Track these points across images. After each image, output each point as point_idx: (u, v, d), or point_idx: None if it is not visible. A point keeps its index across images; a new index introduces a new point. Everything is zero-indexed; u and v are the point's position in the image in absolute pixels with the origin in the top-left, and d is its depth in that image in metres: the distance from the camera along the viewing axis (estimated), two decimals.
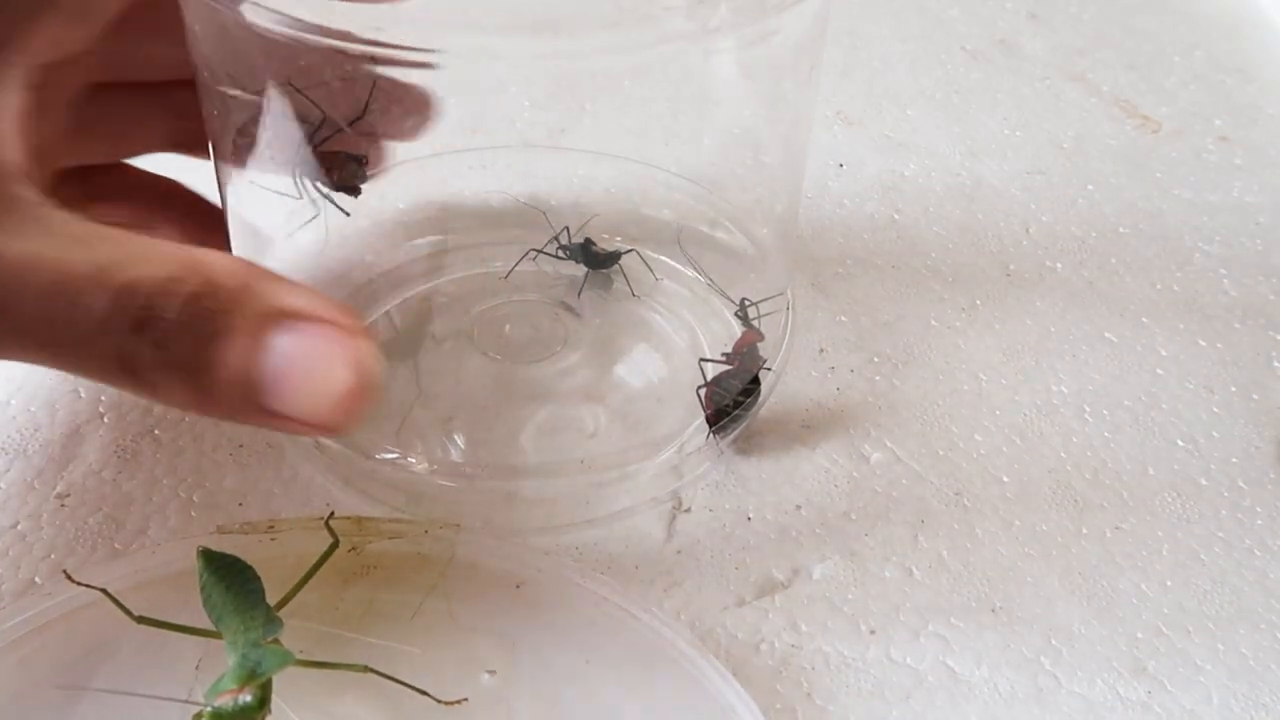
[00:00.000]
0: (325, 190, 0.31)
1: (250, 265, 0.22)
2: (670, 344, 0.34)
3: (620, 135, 0.39)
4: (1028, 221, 0.42)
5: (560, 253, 0.35)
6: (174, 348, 0.21)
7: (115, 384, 0.22)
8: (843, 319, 0.37)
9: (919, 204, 0.43)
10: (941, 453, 0.32)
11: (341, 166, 0.30)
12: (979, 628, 0.28)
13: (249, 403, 0.21)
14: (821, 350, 0.36)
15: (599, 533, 0.30)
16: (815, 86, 0.32)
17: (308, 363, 0.21)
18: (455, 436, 0.31)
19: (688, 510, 0.30)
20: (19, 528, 0.29)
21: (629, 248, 0.36)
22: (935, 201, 0.43)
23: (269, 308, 0.21)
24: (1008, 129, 0.48)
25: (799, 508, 0.31)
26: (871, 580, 0.29)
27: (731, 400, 0.30)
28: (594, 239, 0.36)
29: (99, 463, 0.31)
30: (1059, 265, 0.40)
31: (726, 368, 0.31)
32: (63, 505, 0.30)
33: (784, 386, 0.34)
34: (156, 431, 0.32)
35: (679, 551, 0.29)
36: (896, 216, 0.42)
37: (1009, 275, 0.40)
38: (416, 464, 0.29)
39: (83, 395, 0.33)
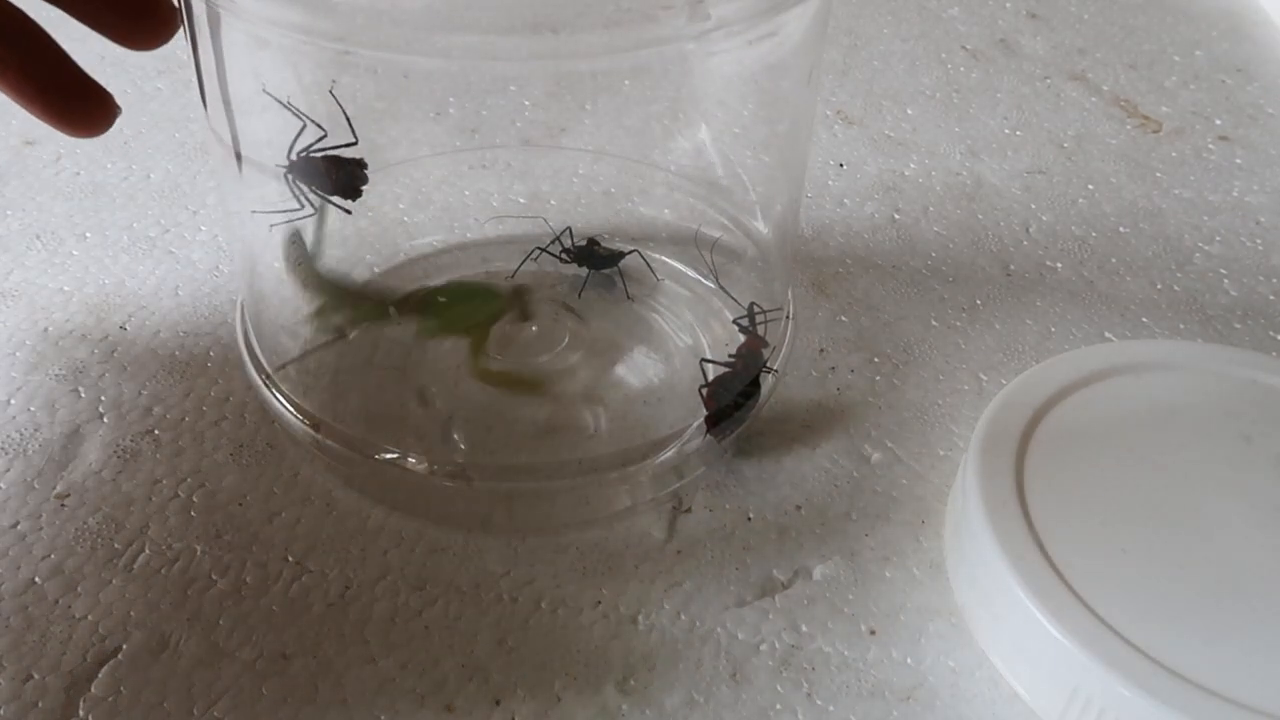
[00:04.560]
0: (323, 194, 0.31)
1: None
2: (671, 344, 0.34)
3: (620, 135, 0.39)
4: (1028, 221, 0.42)
5: (563, 255, 0.35)
6: None
7: None
8: (843, 319, 0.37)
9: (919, 204, 0.43)
10: (941, 453, 0.32)
11: (338, 171, 0.30)
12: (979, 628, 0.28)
13: None
14: (821, 350, 0.36)
15: (599, 533, 0.30)
16: (816, 87, 0.32)
17: None
18: (455, 436, 0.31)
19: (688, 510, 0.30)
20: (19, 528, 0.29)
21: (631, 248, 0.36)
22: (935, 201, 0.43)
23: None
24: (1008, 128, 0.48)
25: (799, 508, 0.31)
26: (872, 580, 0.29)
27: (732, 401, 0.30)
28: (598, 240, 0.36)
29: (99, 463, 0.31)
30: (1059, 265, 0.40)
31: (728, 369, 0.31)
32: (63, 505, 0.30)
33: (784, 387, 0.34)
34: (156, 431, 0.32)
35: (679, 551, 0.29)
36: (896, 216, 0.42)
37: (1009, 275, 0.40)
38: (417, 464, 0.29)
39: (83, 395, 0.33)
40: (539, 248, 0.35)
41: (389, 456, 0.29)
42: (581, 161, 0.39)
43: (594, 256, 0.35)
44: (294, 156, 0.30)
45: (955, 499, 0.30)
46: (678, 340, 0.34)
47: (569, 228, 0.36)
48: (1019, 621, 0.26)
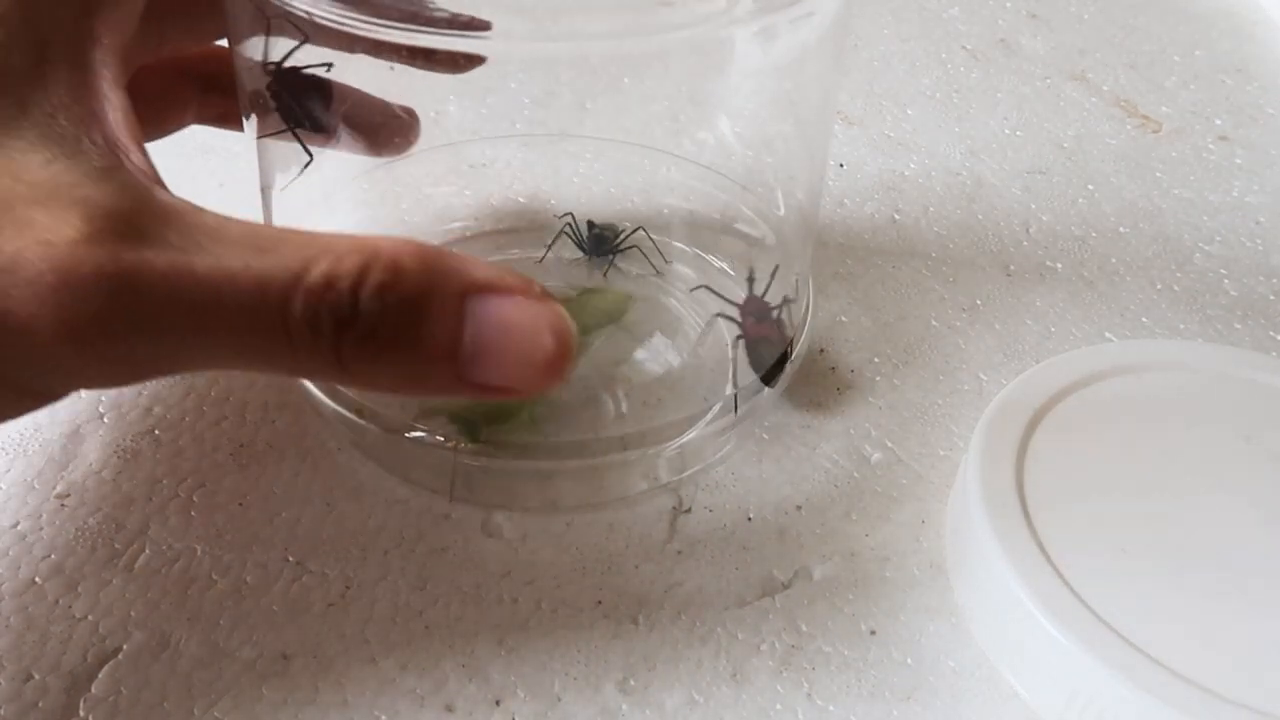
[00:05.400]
0: (293, 125, 0.29)
1: (423, 244, 0.22)
2: (687, 326, 0.34)
3: (631, 127, 0.38)
4: (1028, 221, 0.42)
5: (581, 248, 0.35)
6: (380, 337, 0.21)
7: (319, 379, 0.22)
8: (842, 319, 0.37)
9: (919, 204, 0.43)
10: (941, 453, 0.32)
11: (307, 96, 0.29)
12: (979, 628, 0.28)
13: (455, 379, 0.22)
14: (821, 350, 0.36)
15: (599, 533, 0.30)
16: (841, 66, 0.32)
17: (510, 333, 0.22)
18: (481, 416, 0.31)
19: (688, 510, 0.30)
20: (19, 528, 0.29)
21: (634, 227, 0.36)
22: (935, 201, 0.43)
23: (462, 284, 0.22)
24: (1008, 129, 0.48)
25: (799, 508, 0.31)
26: (872, 580, 0.29)
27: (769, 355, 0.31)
28: (593, 222, 0.36)
29: (99, 463, 0.31)
30: (1059, 265, 0.40)
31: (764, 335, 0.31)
32: (63, 505, 0.30)
33: (784, 387, 0.34)
34: (156, 431, 0.32)
35: (679, 552, 0.29)
36: (896, 216, 0.42)
37: (1009, 275, 0.40)
38: (446, 442, 0.29)
39: (83, 395, 0.33)
40: (565, 231, 0.35)
41: (417, 435, 0.29)
42: (582, 160, 0.39)
43: (601, 240, 0.36)
44: (281, 66, 0.28)
45: (955, 499, 0.30)
46: (693, 321, 0.34)
47: (570, 214, 0.36)
48: (1019, 622, 0.26)
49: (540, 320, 0.22)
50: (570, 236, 0.36)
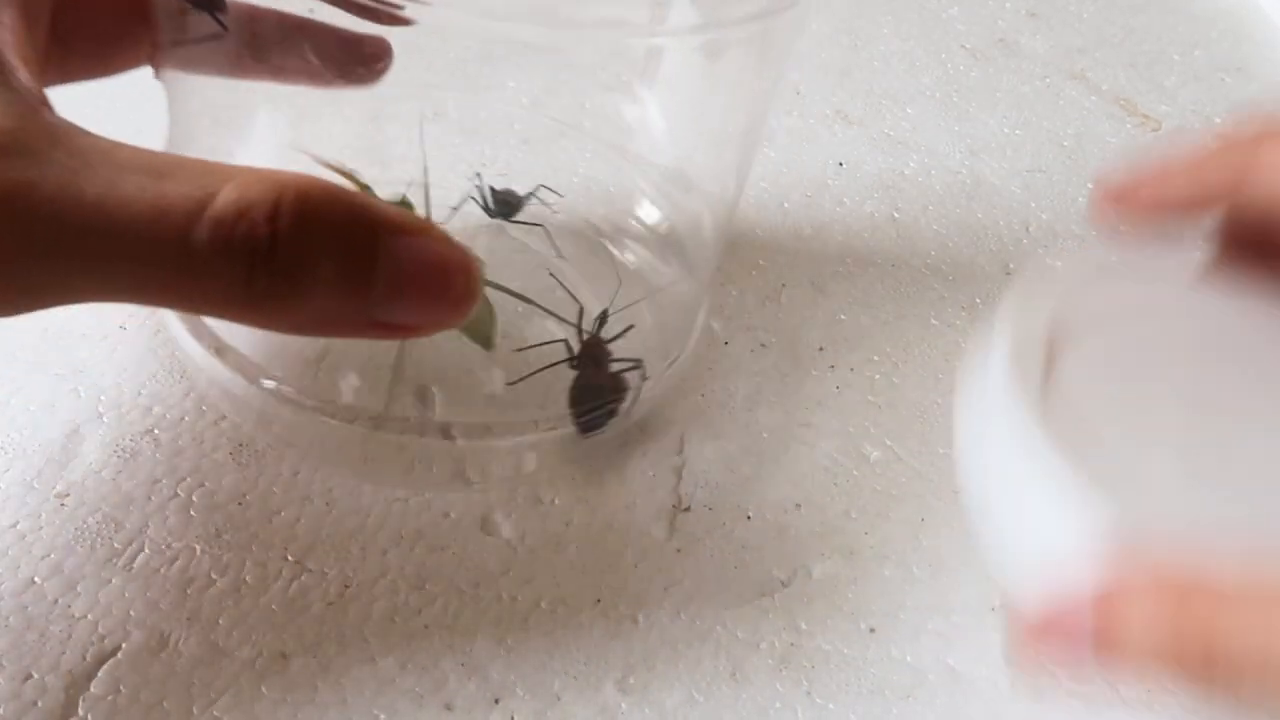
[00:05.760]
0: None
1: (330, 184, 0.22)
2: (567, 317, 0.33)
3: (619, 134, 0.39)
4: (1028, 220, 0.42)
5: (488, 209, 0.35)
6: (297, 271, 0.21)
7: (222, 315, 0.22)
8: (842, 318, 0.37)
9: (919, 203, 0.43)
10: (941, 452, 0.32)
11: None
12: (979, 626, 0.28)
13: (362, 317, 0.22)
14: (821, 349, 0.36)
15: (598, 531, 0.30)
16: (780, 89, 0.32)
17: (422, 271, 0.22)
18: (337, 376, 0.30)
19: (687, 509, 0.30)
20: (19, 527, 0.29)
21: (526, 192, 0.35)
22: (935, 200, 0.43)
23: (375, 222, 0.21)
24: (1008, 127, 0.48)
25: (799, 506, 0.31)
26: (871, 579, 0.29)
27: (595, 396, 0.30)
28: (496, 187, 0.35)
29: (99, 462, 0.31)
30: (1059, 264, 0.40)
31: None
32: (63, 505, 0.30)
33: (784, 385, 0.34)
34: (156, 431, 0.32)
35: (679, 550, 0.29)
36: (896, 215, 0.42)
37: (1009, 274, 0.40)
38: (300, 399, 0.29)
39: (82, 395, 0.33)
40: (477, 186, 0.35)
41: (269, 385, 0.29)
42: (581, 160, 0.39)
43: (508, 205, 0.35)
44: None
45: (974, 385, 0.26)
46: (571, 313, 0.33)
47: (478, 173, 0.35)
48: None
49: (449, 260, 0.22)
50: (477, 200, 0.34)
